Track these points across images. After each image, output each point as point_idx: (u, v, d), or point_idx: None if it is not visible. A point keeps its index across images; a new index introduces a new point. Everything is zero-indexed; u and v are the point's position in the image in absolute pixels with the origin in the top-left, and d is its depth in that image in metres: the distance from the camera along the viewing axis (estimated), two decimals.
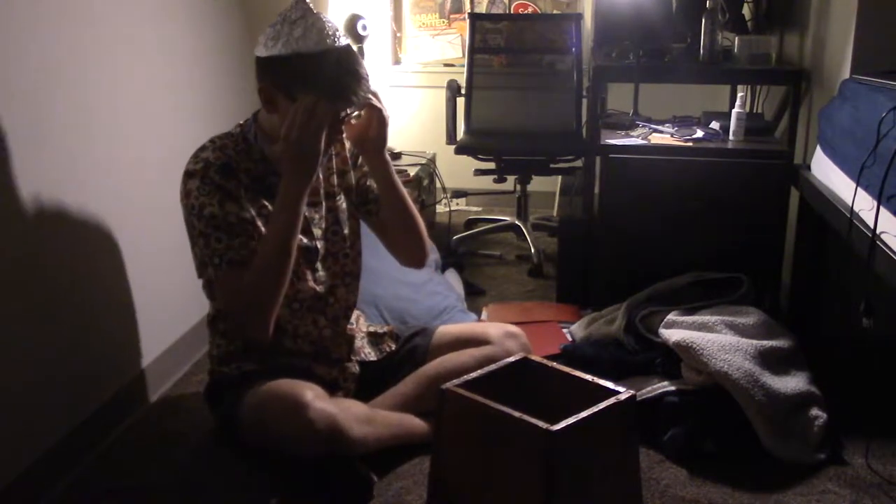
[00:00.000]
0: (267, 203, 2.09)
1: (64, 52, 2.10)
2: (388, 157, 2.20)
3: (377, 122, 2.12)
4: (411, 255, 2.36)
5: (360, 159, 2.31)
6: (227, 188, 2.02)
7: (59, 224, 2.10)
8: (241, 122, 2.15)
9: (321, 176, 2.21)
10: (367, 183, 2.32)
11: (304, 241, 2.16)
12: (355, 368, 2.32)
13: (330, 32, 1.97)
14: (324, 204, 2.23)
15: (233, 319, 2.15)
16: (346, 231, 2.27)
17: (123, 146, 2.37)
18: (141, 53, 2.46)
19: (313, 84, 1.94)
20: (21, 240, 1.97)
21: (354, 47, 2.04)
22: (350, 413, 2.06)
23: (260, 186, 2.09)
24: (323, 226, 2.23)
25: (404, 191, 2.27)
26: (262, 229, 2.07)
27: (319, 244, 2.21)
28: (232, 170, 2.04)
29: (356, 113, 2.08)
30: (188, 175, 2.03)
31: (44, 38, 2.02)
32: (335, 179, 2.26)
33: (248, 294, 2.01)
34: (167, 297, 2.60)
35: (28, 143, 1.97)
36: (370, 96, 2.07)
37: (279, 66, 1.96)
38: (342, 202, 2.27)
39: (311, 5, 2.00)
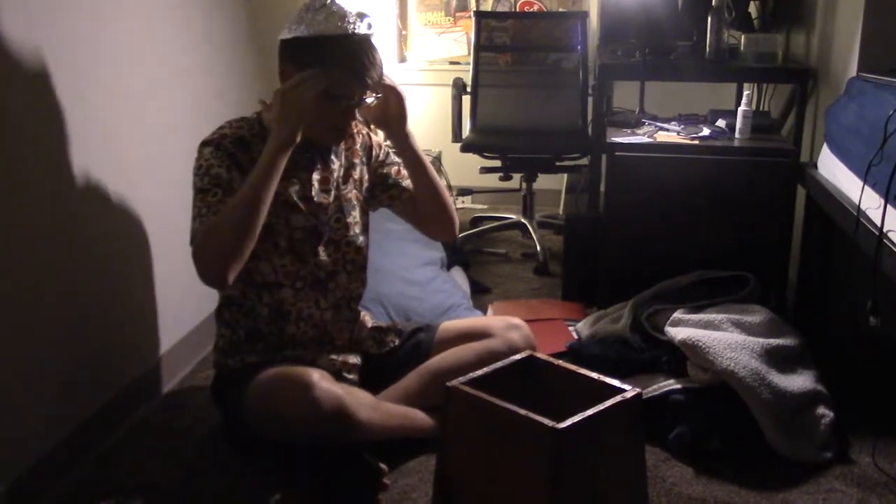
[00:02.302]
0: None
1: (70, 45, 2.10)
2: (411, 131, 2.25)
3: (395, 98, 2.19)
4: (443, 228, 2.41)
5: (373, 153, 2.36)
6: (239, 159, 2.09)
7: (65, 220, 2.11)
8: (258, 111, 2.21)
9: (333, 166, 2.25)
10: (384, 171, 2.37)
11: (313, 221, 2.20)
12: (357, 360, 2.33)
13: (351, 19, 2.06)
14: (332, 192, 2.26)
15: (196, 262, 2.05)
16: (348, 220, 2.29)
17: (144, 139, 2.40)
18: (148, 48, 2.47)
19: (330, 64, 2.03)
20: (30, 239, 1.97)
21: None
22: (356, 397, 2.08)
23: None
24: (329, 212, 2.25)
25: (429, 164, 2.32)
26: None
27: (325, 229, 2.23)
28: (246, 143, 2.11)
29: (372, 98, 2.14)
30: (204, 144, 2.11)
31: (46, 31, 2.03)
32: (343, 171, 2.29)
33: (210, 232, 1.99)
34: (173, 295, 2.60)
35: (47, 134, 1.99)
36: (384, 77, 2.15)
37: (300, 47, 2.06)
38: (349, 192, 2.30)
39: None
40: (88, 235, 2.20)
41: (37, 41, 1.97)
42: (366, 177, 2.35)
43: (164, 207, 2.53)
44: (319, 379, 2.02)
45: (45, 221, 2.02)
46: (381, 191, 2.37)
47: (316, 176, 2.22)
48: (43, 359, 2.04)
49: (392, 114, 2.21)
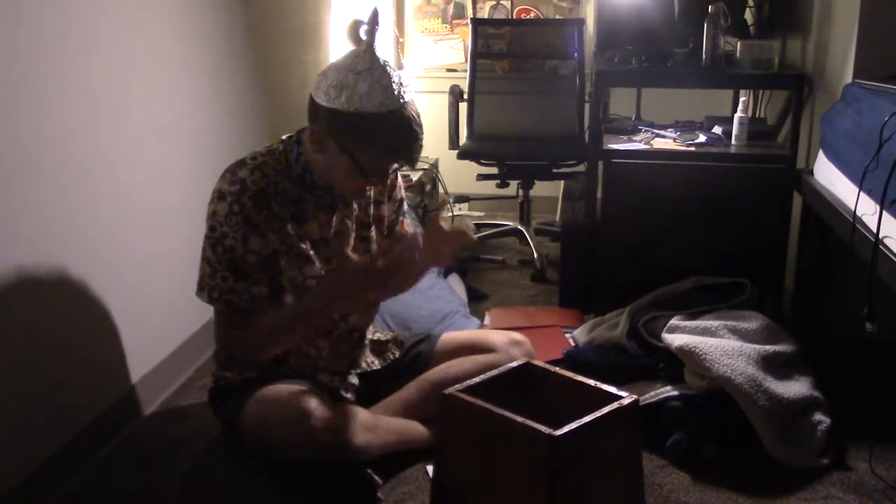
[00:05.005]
0: (293, 232, 2.08)
1: (52, 74, 2.09)
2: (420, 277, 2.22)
3: (453, 250, 2.20)
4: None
5: (394, 193, 2.33)
6: (255, 220, 2.00)
7: (47, 238, 2.07)
8: (283, 139, 2.12)
9: (356, 205, 2.22)
10: (393, 219, 2.34)
11: (325, 270, 2.16)
12: (355, 380, 2.31)
13: (395, 91, 1.94)
14: (353, 234, 2.22)
15: (222, 348, 2.18)
16: None
17: (117, 156, 2.35)
18: (142, 74, 2.46)
19: (371, 144, 1.95)
20: (8, 253, 1.94)
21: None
22: (353, 420, 2.06)
23: (293, 210, 2.08)
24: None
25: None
26: (281, 262, 2.07)
27: None
28: (267, 197, 2.02)
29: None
30: (220, 195, 2.01)
31: (33, 65, 2.01)
32: (371, 209, 2.26)
33: (242, 345, 2.09)
34: (169, 304, 2.60)
35: (10, 155, 1.93)
36: (468, 232, 2.16)
37: (338, 120, 1.94)
38: (374, 232, 2.27)
39: (378, 56, 1.96)
40: (75, 251, 2.19)
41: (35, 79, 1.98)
42: (385, 215, 2.31)
43: (150, 230, 2.52)
44: (316, 406, 2.01)
45: (16, 242, 1.98)
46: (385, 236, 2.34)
47: (335, 219, 2.17)
48: (32, 372, 2.03)
49: (444, 256, 2.23)
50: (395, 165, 2.07)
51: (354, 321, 2.29)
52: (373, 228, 2.27)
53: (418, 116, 1.99)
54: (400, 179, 2.37)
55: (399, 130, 1.95)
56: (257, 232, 2.01)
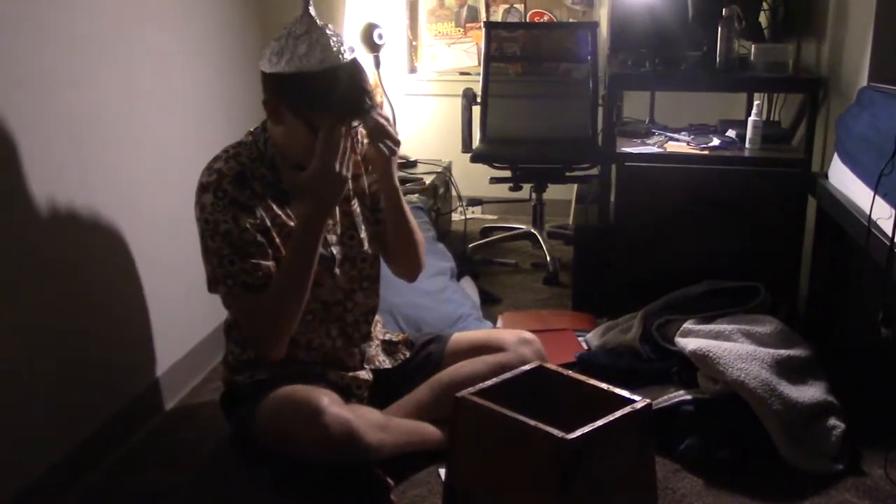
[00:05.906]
0: (280, 212, 2.10)
1: (77, 54, 2.11)
2: (395, 179, 2.21)
3: (387, 148, 2.14)
4: (405, 271, 2.39)
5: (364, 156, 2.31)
6: (241, 200, 2.03)
7: (71, 232, 2.10)
8: (251, 130, 2.16)
9: None
10: (375, 189, 2.31)
11: (321, 250, 2.16)
12: (368, 376, 2.31)
13: (334, 49, 1.98)
14: (338, 209, 2.22)
15: (249, 339, 2.18)
16: (361, 235, 2.27)
17: (138, 151, 2.38)
18: (158, 57, 2.48)
19: (317, 103, 1.98)
20: (33, 245, 1.97)
21: (370, 56, 2.05)
22: (365, 419, 2.07)
23: (274, 192, 2.10)
24: (338, 231, 2.23)
25: (408, 210, 2.28)
26: (277, 239, 2.08)
27: (335, 250, 2.21)
28: (246, 179, 2.06)
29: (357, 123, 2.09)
30: (202, 188, 2.04)
31: (56, 38, 2.03)
32: (350, 183, 2.26)
33: (265, 319, 2.05)
34: (182, 306, 2.61)
35: (40, 147, 1.97)
36: (381, 120, 2.08)
37: (283, 84, 1.99)
38: (356, 206, 2.27)
39: (316, 19, 2.00)
40: (94, 247, 2.21)
41: (38, 52, 1.99)
42: (366, 187, 2.30)
43: (171, 221, 2.53)
44: (329, 404, 2.02)
45: (45, 233, 2.01)
46: (372, 209, 2.32)
47: None
48: (51, 369, 2.05)
49: (380, 163, 2.18)
50: (354, 124, 2.07)
51: (361, 299, 2.28)
52: (355, 203, 2.26)
53: (364, 73, 2.01)
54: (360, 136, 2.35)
55: (344, 86, 1.97)
56: (246, 210, 2.03)
